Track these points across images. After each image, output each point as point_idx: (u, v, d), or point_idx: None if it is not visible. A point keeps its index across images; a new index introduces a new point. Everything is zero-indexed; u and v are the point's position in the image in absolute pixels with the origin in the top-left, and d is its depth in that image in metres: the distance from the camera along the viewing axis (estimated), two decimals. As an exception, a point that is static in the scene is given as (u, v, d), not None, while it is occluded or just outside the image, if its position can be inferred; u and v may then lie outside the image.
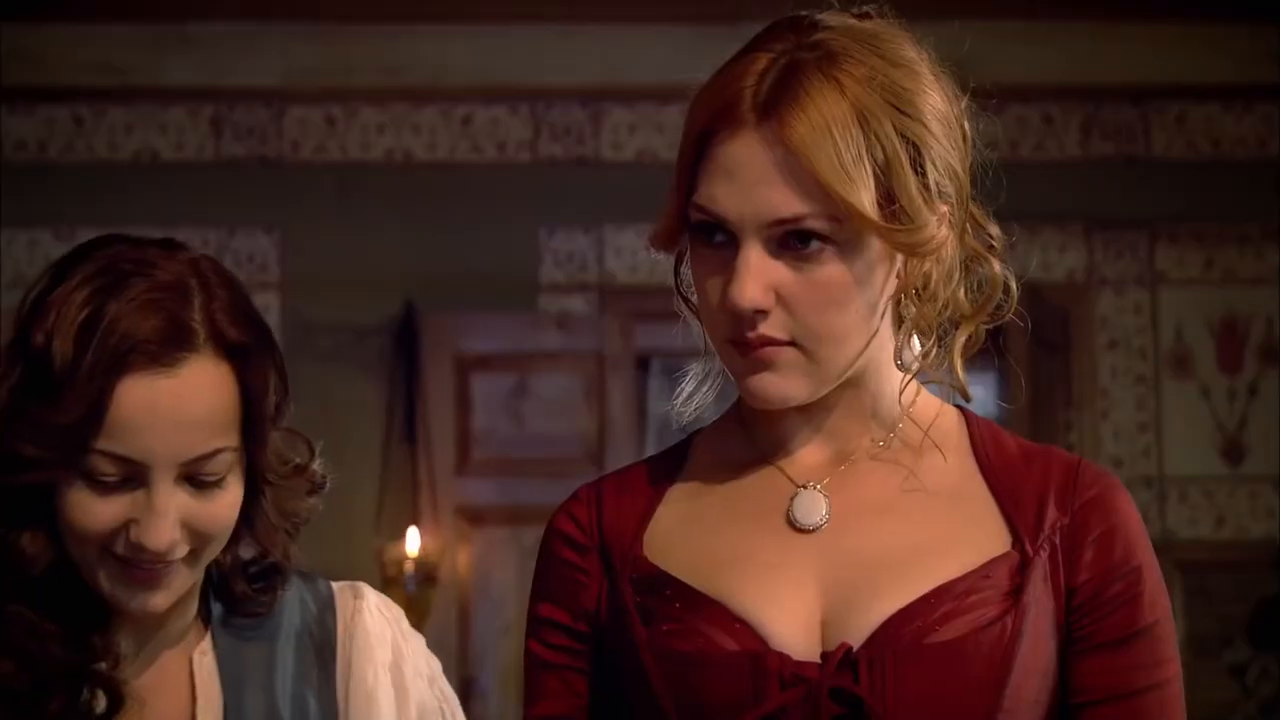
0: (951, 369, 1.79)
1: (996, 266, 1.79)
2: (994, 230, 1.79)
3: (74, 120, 6.23)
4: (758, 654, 1.71)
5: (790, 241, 1.71)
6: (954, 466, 1.80)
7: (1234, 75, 6.23)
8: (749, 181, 1.70)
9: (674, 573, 1.77)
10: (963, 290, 1.79)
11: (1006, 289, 1.80)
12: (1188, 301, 6.39)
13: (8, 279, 6.17)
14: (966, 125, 1.77)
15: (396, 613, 1.97)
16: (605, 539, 1.81)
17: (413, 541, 5.79)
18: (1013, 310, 1.80)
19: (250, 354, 1.80)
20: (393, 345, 6.11)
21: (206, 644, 1.89)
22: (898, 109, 1.71)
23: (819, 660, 1.71)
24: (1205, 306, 6.38)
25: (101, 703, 1.80)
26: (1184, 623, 5.86)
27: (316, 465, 1.91)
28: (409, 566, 5.66)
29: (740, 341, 1.73)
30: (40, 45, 6.04)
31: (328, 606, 1.94)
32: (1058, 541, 1.75)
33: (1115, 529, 1.76)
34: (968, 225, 1.77)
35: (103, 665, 1.81)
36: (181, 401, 1.75)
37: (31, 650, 1.78)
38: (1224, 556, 6.28)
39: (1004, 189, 1.81)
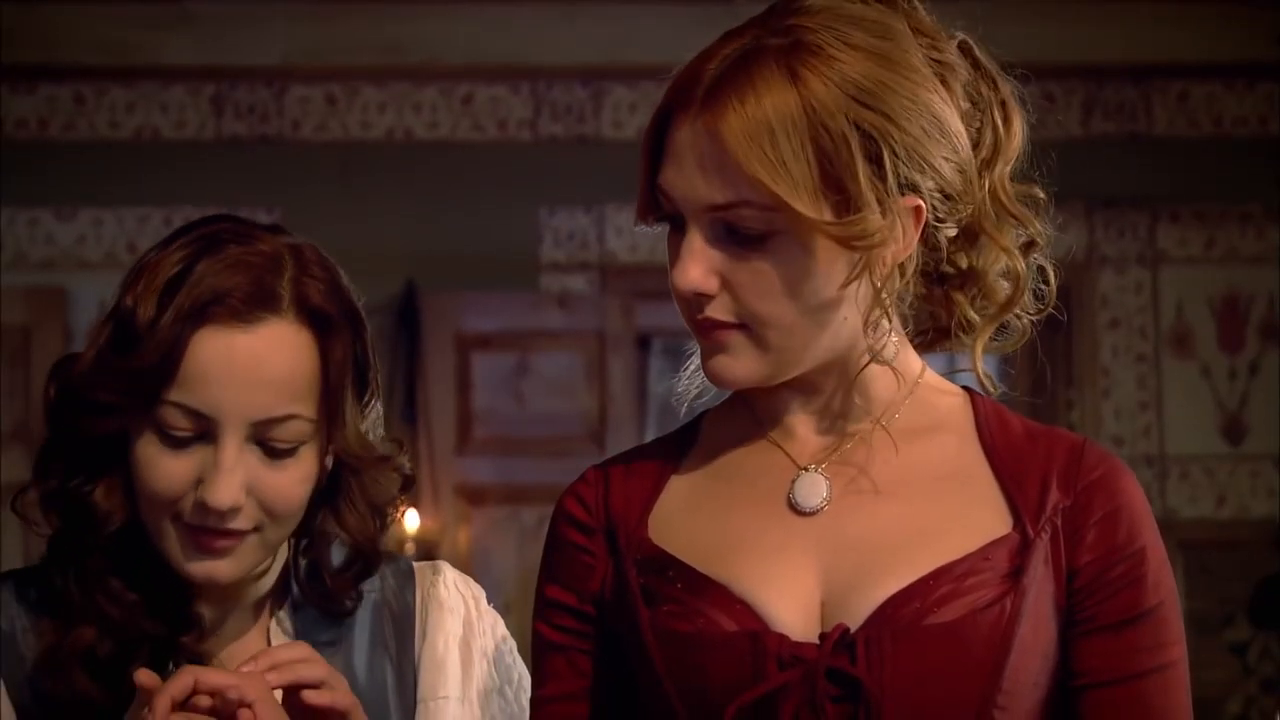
0: (972, 361, 1.80)
1: (1020, 264, 1.79)
2: (1035, 227, 1.80)
3: (75, 99, 6.23)
4: (757, 634, 1.70)
5: (731, 228, 1.71)
6: (957, 448, 1.79)
7: (1236, 54, 6.23)
8: (689, 167, 1.70)
9: (677, 554, 1.76)
10: (1002, 282, 1.80)
11: (1045, 280, 1.80)
12: (1189, 280, 6.39)
13: (8, 258, 6.17)
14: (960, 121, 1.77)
15: (476, 591, 1.98)
16: (611, 520, 1.81)
17: (412, 521, 5.79)
18: (1052, 303, 1.81)
19: (334, 325, 1.81)
20: (394, 324, 6.11)
21: (285, 612, 1.89)
22: (856, 100, 1.68)
23: (818, 641, 1.71)
24: (1206, 285, 6.38)
25: None
26: (1185, 602, 5.81)
27: (404, 460, 1.92)
28: (409, 546, 5.66)
29: (694, 323, 1.74)
30: (41, 24, 6.03)
31: (408, 581, 1.95)
32: (1059, 523, 1.75)
33: (1119, 510, 1.76)
34: (990, 215, 1.77)
35: (187, 639, 1.81)
36: (257, 359, 1.75)
37: (115, 618, 1.79)
38: (1225, 535, 6.29)
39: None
